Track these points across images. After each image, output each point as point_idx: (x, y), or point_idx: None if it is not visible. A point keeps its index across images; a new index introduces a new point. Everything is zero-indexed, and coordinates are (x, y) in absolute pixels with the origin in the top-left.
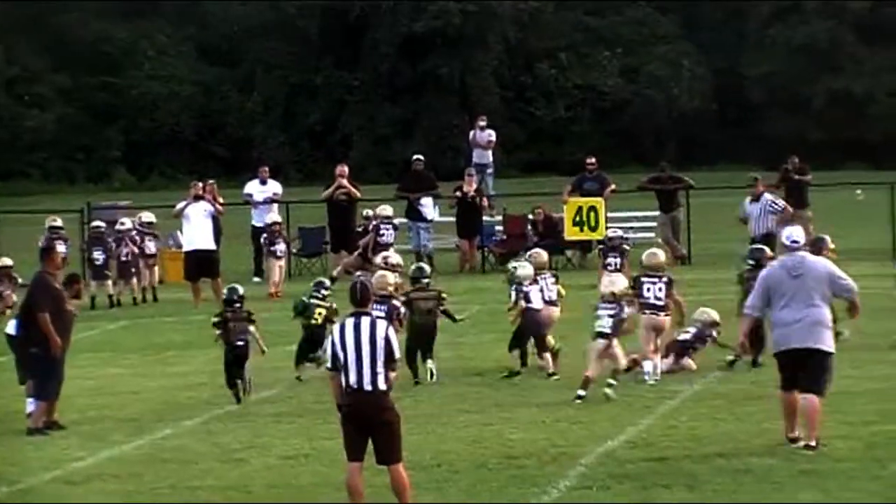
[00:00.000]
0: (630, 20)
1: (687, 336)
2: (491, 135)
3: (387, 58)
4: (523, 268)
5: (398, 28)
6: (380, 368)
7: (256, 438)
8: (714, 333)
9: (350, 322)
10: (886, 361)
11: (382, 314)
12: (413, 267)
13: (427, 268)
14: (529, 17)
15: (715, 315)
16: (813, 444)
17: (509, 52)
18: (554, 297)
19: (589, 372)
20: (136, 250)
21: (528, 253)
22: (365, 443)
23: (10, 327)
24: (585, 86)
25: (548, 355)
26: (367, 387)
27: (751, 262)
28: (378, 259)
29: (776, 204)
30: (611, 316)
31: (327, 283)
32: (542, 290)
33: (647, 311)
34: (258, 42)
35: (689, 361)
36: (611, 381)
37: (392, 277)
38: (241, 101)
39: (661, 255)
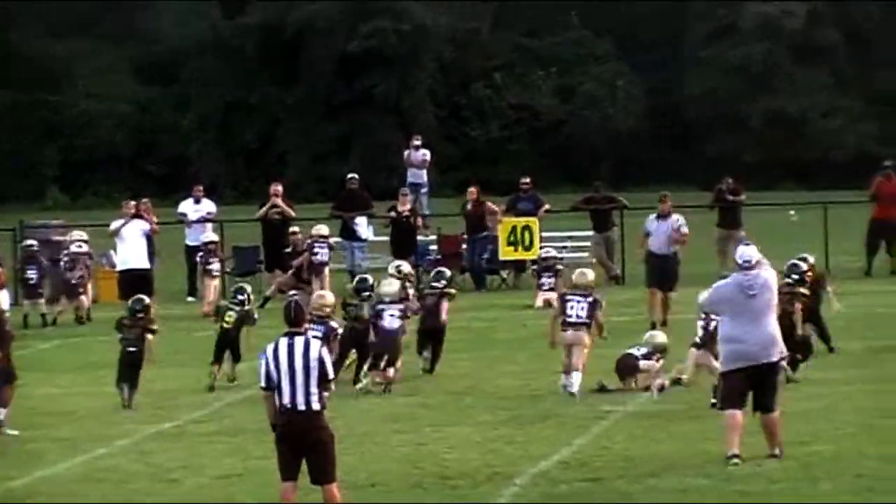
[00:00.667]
0: (566, 40)
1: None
2: (426, 154)
3: (322, 76)
4: (388, 285)
5: (334, 46)
6: (313, 388)
7: (190, 458)
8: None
9: (283, 342)
10: (817, 382)
11: (319, 334)
12: (357, 278)
13: (370, 279)
14: (465, 38)
15: (663, 339)
16: (777, 452)
17: (444, 72)
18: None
19: (685, 377)
20: (87, 274)
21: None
22: (299, 462)
23: None
24: (520, 105)
25: (390, 371)
26: (301, 406)
27: (794, 276)
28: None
29: (682, 229)
30: (703, 327)
31: (247, 288)
32: (404, 309)
33: (566, 328)
34: (194, 60)
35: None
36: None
37: (330, 298)
38: (176, 120)
39: (590, 276)
